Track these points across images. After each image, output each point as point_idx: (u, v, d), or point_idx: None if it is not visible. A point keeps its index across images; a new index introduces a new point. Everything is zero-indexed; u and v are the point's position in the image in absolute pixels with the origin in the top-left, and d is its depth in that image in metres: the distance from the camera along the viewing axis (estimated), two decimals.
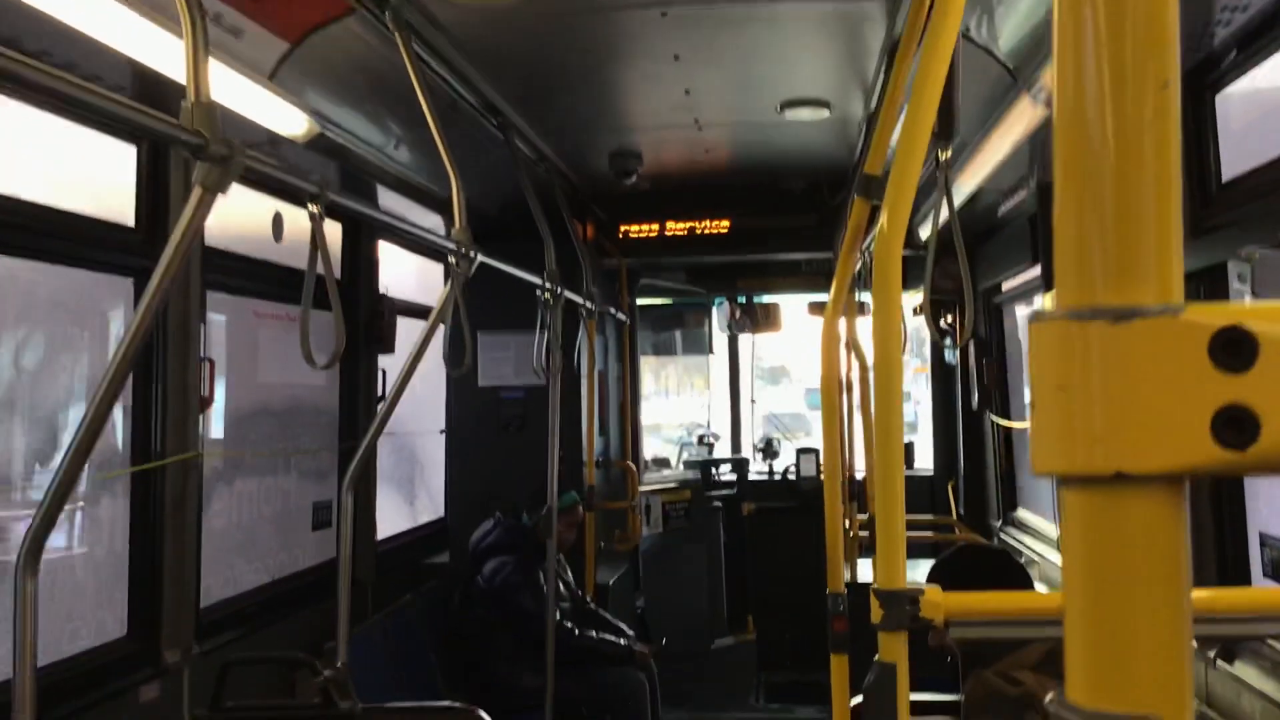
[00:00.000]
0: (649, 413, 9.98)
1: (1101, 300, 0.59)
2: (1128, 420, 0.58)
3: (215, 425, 4.67)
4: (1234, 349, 0.58)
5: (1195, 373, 0.58)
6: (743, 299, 9.39)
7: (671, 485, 8.58)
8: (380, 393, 6.06)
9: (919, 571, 5.91)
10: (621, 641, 6.27)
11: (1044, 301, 5.60)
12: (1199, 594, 2.29)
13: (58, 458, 3.61)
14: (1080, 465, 0.59)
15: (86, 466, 2.73)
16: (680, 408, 12.85)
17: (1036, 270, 6.04)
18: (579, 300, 6.19)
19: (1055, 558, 5.96)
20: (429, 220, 5.83)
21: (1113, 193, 0.59)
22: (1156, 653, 0.59)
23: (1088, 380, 0.59)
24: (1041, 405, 0.61)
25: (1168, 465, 0.58)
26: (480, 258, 3.86)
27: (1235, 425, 0.58)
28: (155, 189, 4.01)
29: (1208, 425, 0.58)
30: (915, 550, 7.21)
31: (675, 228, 8.10)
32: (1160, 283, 0.59)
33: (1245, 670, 3.32)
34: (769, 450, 9.54)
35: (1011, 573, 2.90)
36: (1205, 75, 3.53)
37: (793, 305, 9.60)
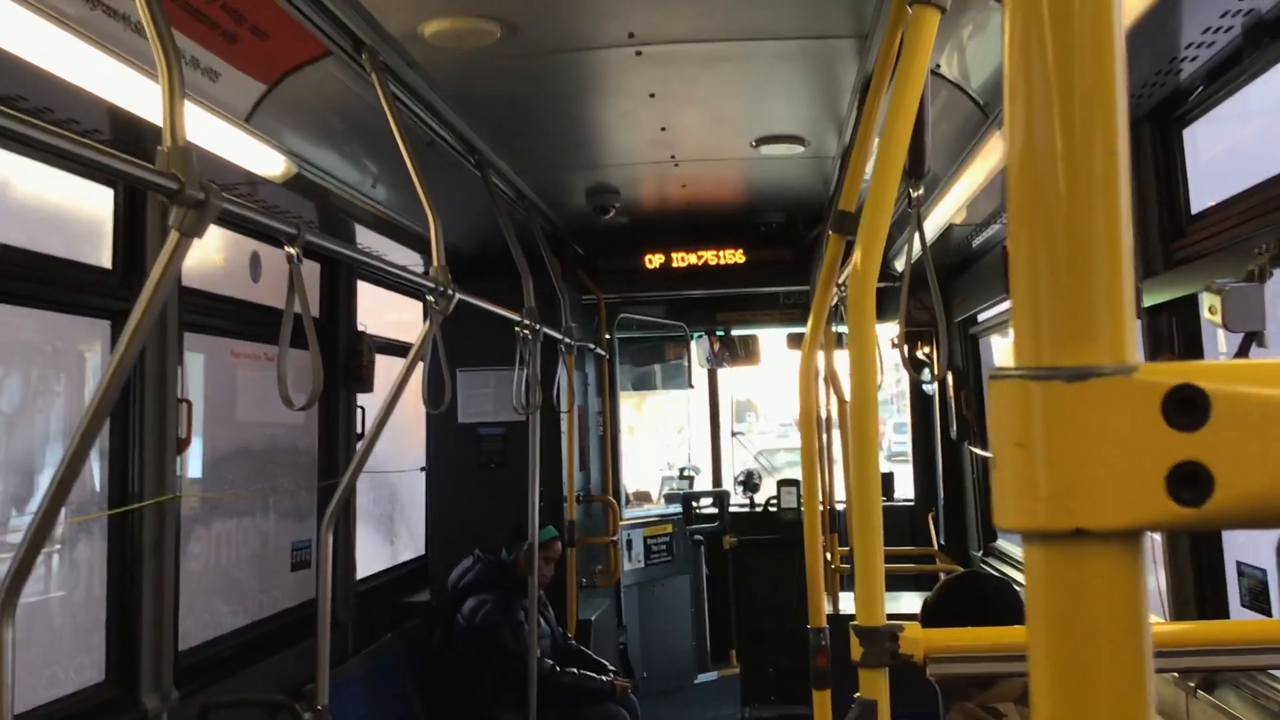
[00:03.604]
0: (629, 449, 9.96)
1: (1057, 360, 0.61)
2: (1085, 478, 0.59)
3: (193, 466, 4.65)
4: (1186, 407, 0.59)
5: (1149, 431, 0.59)
6: (722, 332, 9.40)
7: (653, 519, 8.56)
8: (359, 431, 6.05)
9: (901, 604, 5.92)
10: (603, 678, 6.23)
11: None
12: (1178, 628, 2.30)
13: (34, 501, 3.60)
14: (1040, 521, 0.60)
15: (64, 509, 2.72)
16: (660, 442, 12.79)
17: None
18: (558, 336, 6.19)
19: None
20: (408, 258, 5.84)
21: (1065, 257, 0.61)
22: (1119, 701, 0.60)
23: (1045, 438, 0.61)
24: (1002, 462, 0.62)
25: (1125, 522, 0.59)
26: (459, 295, 3.86)
27: (1190, 482, 0.59)
28: (132, 231, 4.00)
29: (1163, 482, 0.59)
30: (896, 582, 7.20)
31: (653, 263, 8.13)
32: (1113, 343, 0.60)
33: (1226, 698, 3.34)
34: (749, 483, 9.54)
35: (1010, 604, 2.87)
36: (1173, 109, 3.58)
37: (772, 338, 9.62)
